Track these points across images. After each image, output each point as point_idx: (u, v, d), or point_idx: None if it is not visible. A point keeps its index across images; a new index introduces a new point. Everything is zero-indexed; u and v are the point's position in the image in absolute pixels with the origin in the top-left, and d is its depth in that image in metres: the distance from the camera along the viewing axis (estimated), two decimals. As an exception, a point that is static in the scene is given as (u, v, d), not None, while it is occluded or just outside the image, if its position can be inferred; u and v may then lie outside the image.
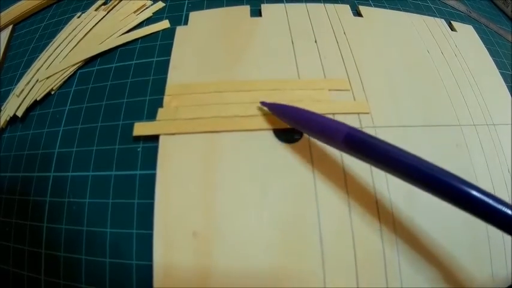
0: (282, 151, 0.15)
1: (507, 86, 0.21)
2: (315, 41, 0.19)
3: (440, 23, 0.23)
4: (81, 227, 0.14)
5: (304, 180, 0.14)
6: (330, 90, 0.17)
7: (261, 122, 0.15)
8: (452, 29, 0.23)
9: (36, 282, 0.14)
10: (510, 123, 0.19)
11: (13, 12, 0.26)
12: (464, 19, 0.25)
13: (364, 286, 0.13)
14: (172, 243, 0.13)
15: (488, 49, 0.22)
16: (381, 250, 0.14)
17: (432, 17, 0.23)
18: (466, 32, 0.23)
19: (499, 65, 0.22)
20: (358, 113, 0.16)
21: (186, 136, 0.15)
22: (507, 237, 0.15)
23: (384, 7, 0.23)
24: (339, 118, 0.16)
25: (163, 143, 0.15)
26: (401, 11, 0.23)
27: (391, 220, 0.14)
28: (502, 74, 0.21)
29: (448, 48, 0.21)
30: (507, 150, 0.18)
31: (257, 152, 0.14)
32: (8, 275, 0.15)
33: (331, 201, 0.14)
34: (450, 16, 0.25)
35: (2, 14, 0.27)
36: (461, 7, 0.26)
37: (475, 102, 0.19)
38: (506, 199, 0.16)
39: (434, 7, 0.25)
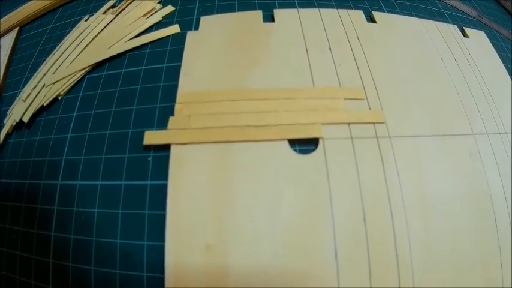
0: (296, 162, 0.14)
1: None
2: (329, 48, 0.19)
3: (453, 29, 0.22)
4: (90, 237, 0.14)
5: (319, 192, 0.14)
6: (345, 99, 0.17)
7: (276, 132, 0.15)
8: (464, 35, 0.23)
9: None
10: None
11: (19, 14, 0.26)
12: (476, 25, 0.25)
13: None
14: (184, 255, 0.13)
15: (500, 55, 0.22)
16: (396, 261, 0.13)
17: (445, 23, 0.23)
18: (478, 38, 0.23)
19: (510, 72, 0.21)
20: (374, 123, 0.16)
21: (198, 146, 0.14)
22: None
23: (397, 13, 0.23)
24: (355, 128, 0.16)
25: (174, 152, 0.14)
26: (414, 16, 0.23)
27: (405, 230, 0.14)
28: None
29: (461, 55, 0.21)
30: None
31: (271, 163, 0.14)
32: (14, 284, 0.15)
33: (346, 214, 0.14)
34: (462, 22, 0.25)
35: (9, 16, 0.26)
36: (473, 12, 0.26)
37: (488, 111, 0.18)
38: None
39: (446, 13, 0.25)
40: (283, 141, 0.15)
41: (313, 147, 0.15)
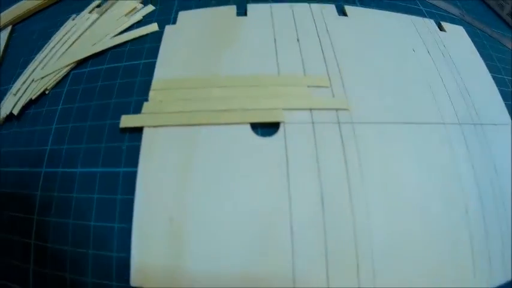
0: (257, 144, 0.15)
1: (503, 90, 0.21)
2: (297, 40, 0.19)
3: (429, 22, 0.23)
4: (68, 220, 0.15)
5: (277, 173, 0.15)
6: (309, 86, 0.17)
7: (239, 116, 0.16)
8: (441, 29, 0.23)
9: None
10: (498, 123, 0.19)
11: (13, 12, 0.27)
12: (458, 23, 0.25)
13: (334, 283, 0.14)
14: (149, 228, 0.14)
15: (480, 52, 0.22)
16: (354, 246, 0.14)
17: (421, 17, 0.23)
18: (455, 33, 0.23)
19: (491, 68, 0.22)
20: (337, 109, 0.17)
21: (168, 128, 0.16)
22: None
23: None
24: (317, 114, 0.16)
25: (146, 134, 0.16)
26: (390, 13, 0.23)
27: (365, 212, 0.15)
28: (493, 77, 0.21)
29: (435, 47, 0.21)
30: (494, 149, 0.18)
31: (234, 145, 0.15)
32: None
33: (303, 196, 0.14)
34: (442, 19, 0.25)
35: (2, 14, 0.28)
36: (455, 10, 0.26)
37: (461, 102, 0.19)
38: (491, 198, 0.16)
39: (426, 10, 0.25)
40: (246, 125, 0.16)
41: (275, 131, 0.16)
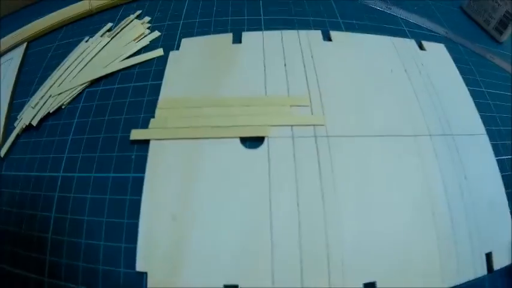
0: (245, 156, 0.18)
1: (481, 102, 0.23)
2: (284, 65, 0.23)
3: (410, 43, 0.25)
4: (83, 217, 0.18)
5: (260, 181, 0.18)
6: (291, 106, 0.20)
7: (231, 131, 0.19)
8: (422, 48, 0.25)
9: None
10: (472, 133, 0.21)
11: (28, 31, 0.30)
12: (440, 39, 0.27)
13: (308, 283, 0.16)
14: (154, 223, 0.17)
15: (460, 67, 0.24)
16: (326, 252, 0.16)
17: (402, 38, 0.25)
18: (435, 51, 0.25)
19: (471, 82, 0.24)
20: (314, 125, 0.20)
21: (171, 141, 0.19)
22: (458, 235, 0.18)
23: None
24: (297, 129, 0.19)
25: (152, 146, 0.19)
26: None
27: (336, 219, 0.17)
28: (472, 91, 0.23)
29: (413, 65, 0.24)
30: (466, 159, 0.20)
31: (226, 155, 0.18)
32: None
33: (282, 202, 0.17)
34: (424, 38, 0.26)
35: (18, 31, 0.30)
36: (439, 29, 0.28)
37: (434, 115, 0.21)
38: (462, 206, 0.18)
39: (408, 30, 0.27)
40: (236, 139, 0.19)
41: (260, 144, 0.19)
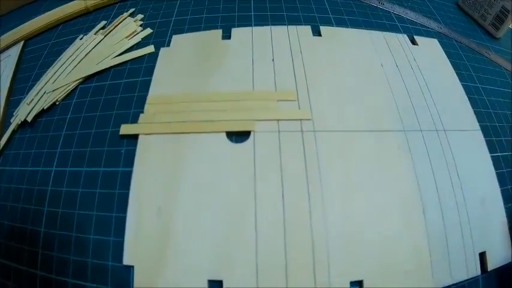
0: (230, 150, 0.18)
1: (475, 98, 0.22)
2: (272, 60, 0.22)
3: (402, 38, 0.25)
4: (74, 210, 0.18)
5: (245, 175, 0.18)
6: (278, 100, 0.20)
7: (217, 126, 0.19)
8: (414, 43, 0.25)
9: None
10: (465, 129, 0.21)
11: (24, 29, 0.30)
12: (433, 35, 0.27)
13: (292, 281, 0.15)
14: (141, 216, 0.17)
15: (454, 62, 0.24)
16: (311, 246, 0.16)
17: (394, 33, 0.25)
18: (428, 45, 0.25)
19: (464, 78, 0.23)
20: (301, 119, 0.20)
21: (159, 136, 0.19)
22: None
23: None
24: (283, 124, 0.19)
25: (141, 140, 0.19)
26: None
27: (321, 213, 0.17)
28: (467, 86, 0.23)
29: (405, 60, 0.23)
30: (458, 156, 0.19)
31: (212, 149, 0.19)
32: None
33: (267, 196, 0.17)
34: (417, 33, 0.26)
35: (16, 30, 0.31)
36: (432, 24, 0.28)
37: (425, 110, 0.21)
38: (454, 204, 0.18)
39: (401, 25, 0.27)
40: (222, 133, 0.19)
41: (246, 139, 0.19)
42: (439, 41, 0.26)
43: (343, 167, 0.18)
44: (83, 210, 0.18)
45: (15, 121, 0.23)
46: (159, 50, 0.24)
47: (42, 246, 0.19)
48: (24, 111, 0.23)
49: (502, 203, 0.19)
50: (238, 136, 0.19)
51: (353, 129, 0.20)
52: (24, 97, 0.25)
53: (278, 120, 0.20)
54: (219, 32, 0.25)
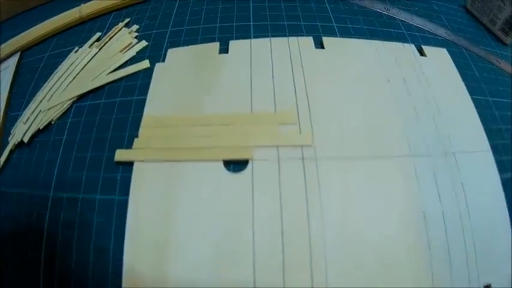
0: (227, 180, 0.18)
1: (485, 113, 0.21)
2: (272, 76, 0.21)
3: (409, 48, 0.23)
4: (72, 238, 0.18)
5: (243, 207, 0.17)
6: (278, 124, 0.19)
7: (213, 153, 0.18)
8: (422, 54, 0.23)
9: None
10: (474, 150, 0.19)
11: (21, 40, 0.30)
12: (441, 43, 0.25)
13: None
14: (139, 245, 0.17)
15: (464, 73, 0.23)
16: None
17: (401, 43, 0.24)
18: (437, 56, 0.23)
19: (475, 91, 0.22)
20: (302, 146, 0.18)
21: (154, 164, 0.18)
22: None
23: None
24: (283, 150, 0.18)
25: (136, 167, 0.18)
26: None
27: (322, 247, 0.16)
28: (476, 100, 0.21)
29: (413, 74, 0.22)
30: (466, 179, 0.18)
31: (208, 179, 0.18)
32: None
33: (265, 230, 0.16)
34: (425, 41, 0.25)
35: (12, 40, 0.30)
36: (440, 31, 0.26)
37: (433, 131, 0.19)
38: (461, 232, 0.17)
39: (408, 33, 0.25)
40: (219, 162, 0.18)
41: (245, 167, 0.18)
42: (447, 50, 0.24)
43: (344, 199, 0.17)
44: (81, 238, 0.18)
45: (12, 141, 0.23)
46: (154, 64, 0.23)
47: (43, 272, 0.19)
48: (21, 131, 0.23)
49: (510, 232, 0.18)
50: (236, 164, 0.18)
51: (356, 155, 0.18)
52: (21, 114, 0.24)
53: (277, 146, 0.18)
54: (216, 45, 0.24)
